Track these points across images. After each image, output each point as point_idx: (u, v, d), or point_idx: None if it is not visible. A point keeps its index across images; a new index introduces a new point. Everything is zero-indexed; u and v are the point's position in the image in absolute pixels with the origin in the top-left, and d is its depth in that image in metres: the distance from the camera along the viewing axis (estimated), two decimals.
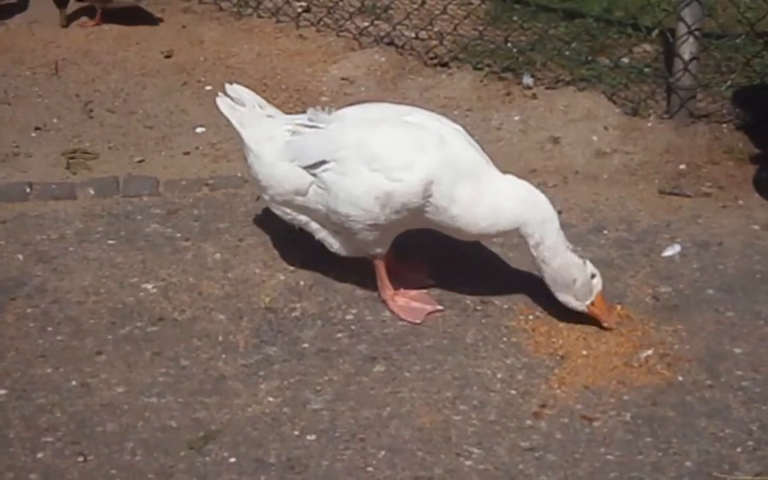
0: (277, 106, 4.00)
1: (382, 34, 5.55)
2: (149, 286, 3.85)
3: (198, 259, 3.99)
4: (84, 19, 5.88)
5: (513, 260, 3.95)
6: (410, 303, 3.72)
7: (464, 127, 3.73)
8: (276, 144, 3.71)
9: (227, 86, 3.94)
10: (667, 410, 3.32)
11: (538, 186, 3.65)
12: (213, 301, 3.79)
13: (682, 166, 4.58)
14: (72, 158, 4.67)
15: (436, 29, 5.51)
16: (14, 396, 3.38)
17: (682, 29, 4.74)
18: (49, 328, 3.65)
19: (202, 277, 3.90)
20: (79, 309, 3.74)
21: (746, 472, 3.11)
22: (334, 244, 3.72)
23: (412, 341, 3.60)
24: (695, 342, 3.58)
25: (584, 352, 3.55)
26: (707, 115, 4.85)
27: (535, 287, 3.77)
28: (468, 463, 3.15)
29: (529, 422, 3.29)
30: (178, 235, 4.13)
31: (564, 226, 3.61)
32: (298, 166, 3.64)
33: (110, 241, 4.09)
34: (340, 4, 5.77)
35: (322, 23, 5.71)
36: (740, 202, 4.34)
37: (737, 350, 3.55)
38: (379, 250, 3.67)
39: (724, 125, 4.79)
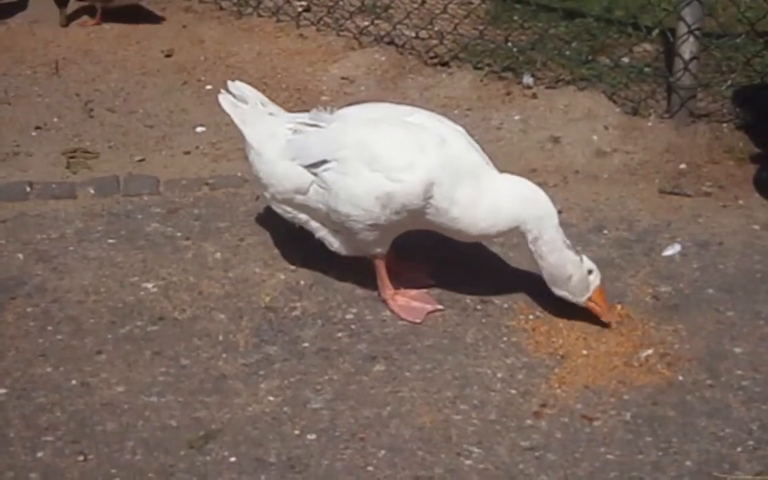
0: (277, 106, 4.00)
1: (383, 33, 5.55)
2: (149, 286, 3.85)
3: (198, 259, 3.99)
4: (85, 18, 5.89)
5: (513, 260, 3.95)
6: (410, 302, 3.72)
7: (464, 126, 3.74)
8: (277, 142, 3.71)
9: (229, 83, 3.94)
10: (667, 410, 3.32)
11: (538, 185, 3.65)
12: (213, 300, 3.79)
13: (683, 166, 4.58)
14: (72, 157, 4.67)
15: (436, 29, 5.51)
16: (14, 395, 3.38)
17: (682, 29, 4.74)
18: (49, 328, 3.65)
19: (202, 276, 3.90)
20: (79, 308, 3.74)
21: (746, 472, 3.11)
22: (334, 243, 3.72)
23: (413, 341, 3.60)
24: (695, 341, 3.58)
25: (584, 352, 3.55)
26: (707, 114, 4.85)
27: (535, 287, 3.77)
28: (468, 462, 3.15)
29: (529, 422, 3.29)
30: (179, 234, 4.13)
31: (564, 225, 3.61)
32: (299, 165, 3.64)
33: (110, 241, 4.09)
34: (341, 3, 5.77)
35: (322, 22, 5.72)
36: (740, 201, 4.34)
37: (737, 350, 3.55)
38: (379, 250, 3.67)
39: (725, 125, 4.80)
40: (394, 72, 5.31)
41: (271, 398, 3.38)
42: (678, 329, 3.63)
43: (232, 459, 3.16)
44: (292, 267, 3.93)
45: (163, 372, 3.47)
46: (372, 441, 3.22)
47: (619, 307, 3.70)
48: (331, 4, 5.78)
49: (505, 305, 3.75)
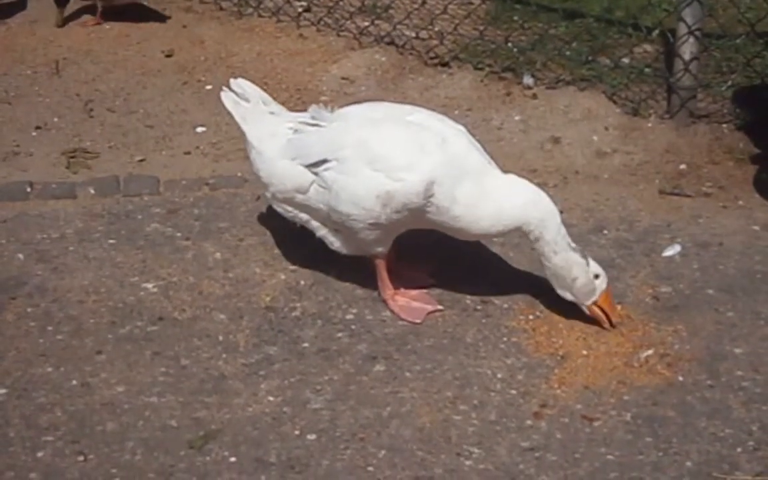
0: (279, 104, 4.00)
1: (383, 33, 5.56)
2: (149, 286, 3.85)
3: (198, 259, 3.99)
4: (86, 17, 5.88)
5: (513, 260, 3.95)
6: (410, 303, 3.72)
7: (465, 126, 3.73)
8: (278, 141, 3.71)
9: (232, 81, 3.94)
10: (667, 410, 3.32)
11: (538, 186, 3.65)
12: (213, 300, 3.79)
13: (683, 166, 4.58)
14: (72, 157, 4.68)
15: (436, 29, 5.51)
16: (14, 395, 3.39)
17: (682, 29, 4.74)
18: (50, 328, 3.65)
19: (202, 276, 3.90)
20: (79, 308, 3.74)
21: (746, 472, 3.11)
22: (334, 243, 3.72)
23: (413, 341, 3.60)
24: (695, 342, 3.58)
25: (584, 352, 3.55)
26: (708, 115, 4.85)
27: (535, 287, 3.78)
28: (468, 462, 3.15)
29: (529, 422, 3.29)
30: (179, 234, 4.13)
31: (564, 225, 3.60)
32: (300, 164, 3.64)
33: (110, 241, 4.09)
34: (341, 3, 5.78)
35: (322, 23, 5.72)
36: (740, 202, 4.34)
37: (737, 350, 3.55)
38: (379, 250, 3.67)
39: (725, 125, 4.80)
40: (394, 72, 5.31)
41: (271, 398, 3.38)
42: (678, 330, 3.63)
43: (232, 459, 3.16)
44: (293, 267, 3.93)
45: (163, 372, 3.47)
46: (372, 441, 3.22)
47: (619, 307, 3.70)
48: (331, 4, 5.78)
49: (505, 305, 3.75)
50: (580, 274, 3.55)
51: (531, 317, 3.70)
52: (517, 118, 4.92)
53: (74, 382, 3.43)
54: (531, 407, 3.34)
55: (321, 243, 3.75)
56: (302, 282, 3.86)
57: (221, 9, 5.95)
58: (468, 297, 3.78)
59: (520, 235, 3.63)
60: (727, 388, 3.40)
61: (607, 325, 3.61)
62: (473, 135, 3.73)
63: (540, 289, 3.75)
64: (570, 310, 3.65)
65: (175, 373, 3.47)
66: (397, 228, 3.62)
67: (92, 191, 4.39)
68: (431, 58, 5.37)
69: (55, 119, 4.99)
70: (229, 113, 3.89)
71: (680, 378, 3.44)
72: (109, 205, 4.30)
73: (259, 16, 5.86)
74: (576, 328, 3.64)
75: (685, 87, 4.80)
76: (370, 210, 3.52)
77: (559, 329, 3.64)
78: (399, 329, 3.65)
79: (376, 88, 5.17)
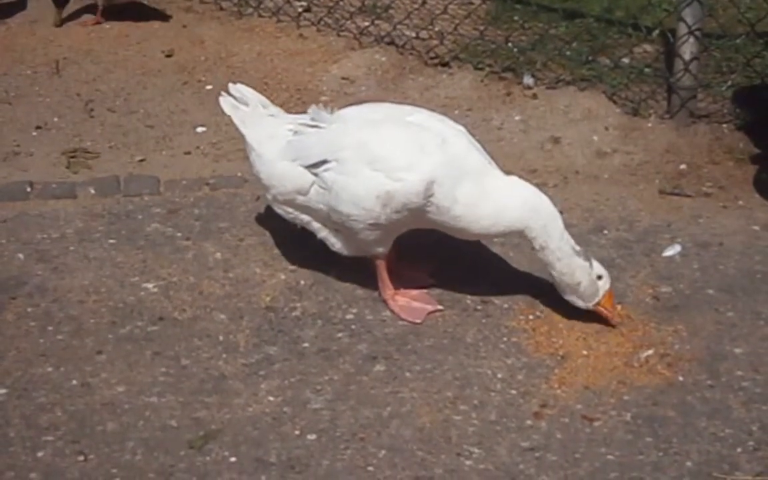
0: (278, 106, 4.00)
1: (383, 33, 5.56)
2: (150, 286, 3.85)
3: (198, 259, 3.99)
4: (86, 17, 5.88)
5: (513, 260, 3.95)
6: (411, 303, 3.73)
7: (465, 126, 3.73)
8: (278, 143, 3.72)
9: (230, 86, 3.95)
10: (667, 410, 3.32)
11: (539, 186, 3.65)
12: (213, 300, 3.79)
13: (683, 166, 4.58)
14: (73, 157, 4.68)
15: (436, 29, 5.51)
16: (15, 395, 3.39)
17: (682, 29, 4.74)
18: (50, 328, 3.66)
19: (202, 276, 3.90)
20: (79, 308, 3.74)
21: (746, 472, 3.11)
22: (335, 244, 3.72)
23: (413, 341, 3.60)
24: (696, 342, 3.58)
25: (585, 352, 3.55)
26: (708, 115, 4.85)
27: (535, 287, 3.78)
28: (468, 462, 3.15)
29: (529, 422, 3.29)
30: (179, 234, 4.13)
31: (565, 226, 3.60)
32: (300, 166, 3.65)
33: (111, 241, 4.09)
34: (341, 3, 5.78)
35: (322, 23, 5.72)
36: (741, 202, 4.34)
37: (738, 350, 3.55)
38: (380, 250, 3.67)
39: (725, 125, 4.80)
40: (394, 72, 5.31)
41: (271, 398, 3.38)
42: (678, 330, 3.64)
43: (233, 459, 3.16)
44: (293, 267, 3.93)
45: (164, 372, 3.48)
46: (372, 441, 3.22)
47: (619, 307, 3.70)
48: (331, 4, 5.78)
49: (506, 305, 3.75)
50: (583, 278, 3.55)
51: (531, 317, 3.70)
52: (517, 118, 4.92)
53: (74, 382, 3.44)
54: (531, 407, 3.34)
55: (321, 243, 3.75)
56: (302, 282, 3.86)
57: (221, 9, 5.95)
58: (468, 297, 3.78)
59: (520, 235, 3.62)
60: (728, 388, 3.40)
61: (614, 321, 3.61)
62: (473, 135, 3.73)
63: (540, 289, 3.75)
64: (570, 311, 3.65)
65: (175, 373, 3.47)
66: (398, 228, 3.62)
67: (92, 191, 4.39)
68: (431, 58, 5.37)
69: (56, 119, 4.99)
70: (228, 115, 3.90)
71: (680, 378, 3.44)
72: (109, 205, 4.30)
73: (260, 16, 5.86)
74: (576, 328, 3.64)
75: (685, 87, 4.80)
76: (370, 210, 3.53)
77: (559, 329, 3.64)
78: (399, 329, 3.65)
79: (376, 88, 5.17)
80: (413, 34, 5.51)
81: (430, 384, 3.43)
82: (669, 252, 4.02)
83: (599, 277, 3.58)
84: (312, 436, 3.24)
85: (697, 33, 4.73)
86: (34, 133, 4.88)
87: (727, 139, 4.73)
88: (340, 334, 3.63)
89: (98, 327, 3.66)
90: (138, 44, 5.63)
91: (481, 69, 5.25)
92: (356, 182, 3.53)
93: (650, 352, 3.54)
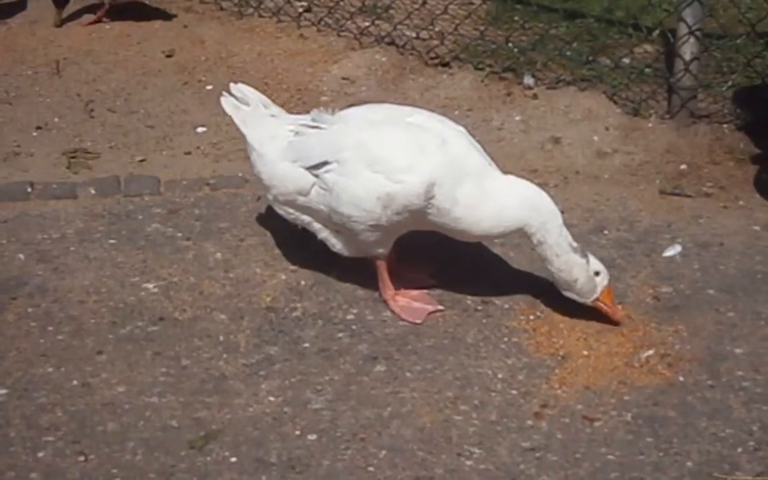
0: (278, 106, 4.00)
1: (383, 33, 5.55)
2: (150, 286, 3.85)
3: (199, 259, 3.99)
4: (87, 16, 5.87)
5: (514, 260, 3.95)
6: (411, 303, 3.73)
7: (465, 127, 3.74)
8: (279, 143, 3.72)
9: (232, 86, 3.95)
10: (668, 410, 3.32)
11: (539, 186, 3.65)
12: (214, 300, 3.79)
13: (683, 167, 4.58)
14: (73, 157, 4.68)
15: (437, 29, 5.51)
16: (15, 395, 3.39)
17: (683, 29, 4.74)
18: (50, 328, 3.66)
19: (203, 276, 3.90)
20: (80, 308, 3.74)
21: (747, 473, 3.11)
22: (336, 245, 3.72)
23: (413, 341, 3.60)
24: (696, 342, 3.58)
25: (585, 352, 3.55)
26: (708, 115, 4.85)
27: (536, 287, 3.78)
28: (469, 463, 3.15)
29: (530, 422, 3.29)
30: (179, 234, 4.13)
31: (565, 226, 3.60)
32: (301, 167, 3.65)
33: (111, 241, 4.09)
34: (341, 3, 5.77)
35: (323, 23, 5.72)
36: (741, 202, 4.34)
37: (738, 350, 3.55)
38: (380, 251, 3.67)
39: (725, 125, 4.80)
40: (394, 72, 5.31)
41: (271, 398, 3.38)
42: (679, 330, 3.64)
43: (233, 459, 3.16)
44: (293, 267, 3.93)
45: (164, 372, 3.48)
46: (373, 441, 3.22)
47: (619, 307, 3.70)
48: (331, 4, 5.78)
49: (506, 306, 3.75)
50: (580, 274, 3.55)
51: (532, 317, 3.70)
52: (517, 118, 4.92)
53: (75, 382, 3.44)
54: (532, 407, 3.34)
55: (322, 244, 3.75)
56: (303, 282, 3.86)
57: (222, 9, 5.94)
58: (469, 297, 3.78)
59: (520, 235, 3.63)
60: (728, 389, 3.40)
61: (615, 317, 3.61)
62: (474, 135, 3.73)
63: (540, 289, 3.75)
64: (571, 311, 3.65)
65: (175, 374, 3.47)
66: (398, 229, 3.63)
67: (93, 191, 4.39)
68: (432, 59, 5.37)
69: (56, 119, 4.99)
70: (229, 115, 3.90)
71: (681, 378, 3.44)
72: (109, 206, 4.30)
73: (260, 16, 5.86)
74: (577, 329, 3.64)
75: (686, 87, 4.80)
76: (371, 212, 3.53)
77: (560, 329, 3.64)
78: (400, 329, 3.65)
79: (377, 89, 5.17)
80: (413, 35, 5.51)
81: (430, 384, 3.43)
82: (669, 252, 4.02)
83: (597, 274, 3.58)
84: (312, 437, 3.24)
85: (698, 33, 4.73)
86: (35, 134, 4.88)
87: (727, 139, 4.73)
88: (340, 335, 3.63)
89: (99, 327, 3.66)
90: (138, 44, 5.63)
91: (482, 69, 5.25)
92: (357, 184, 3.53)
93: (651, 352, 3.54)
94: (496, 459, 3.16)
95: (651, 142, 4.73)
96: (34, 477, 3.11)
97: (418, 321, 3.67)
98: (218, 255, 4.01)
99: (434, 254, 3.92)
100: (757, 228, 4.17)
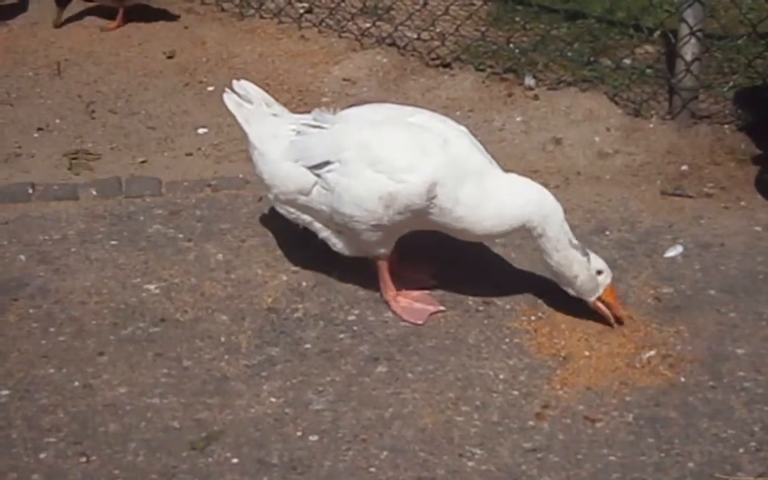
0: (282, 106, 4.00)
1: (384, 35, 5.56)
2: (151, 287, 3.85)
3: (200, 260, 3.99)
4: (91, 19, 5.86)
5: (515, 261, 3.95)
6: (412, 304, 3.73)
7: (467, 127, 3.73)
8: (280, 143, 3.72)
9: (234, 82, 3.94)
10: (669, 411, 3.32)
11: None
12: (215, 301, 3.79)
13: (684, 167, 4.58)
14: (74, 159, 4.68)
15: (438, 30, 5.51)
16: (17, 396, 3.39)
17: (684, 30, 4.74)
18: (52, 329, 3.66)
19: (204, 277, 3.90)
20: (81, 309, 3.74)
21: (748, 473, 3.11)
22: (337, 244, 3.72)
23: (415, 342, 3.60)
24: (697, 343, 3.58)
25: (586, 353, 3.55)
26: (709, 116, 4.85)
27: (537, 288, 3.78)
28: (470, 463, 3.15)
29: (531, 423, 3.29)
30: (181, 235, 4.13)
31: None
32: (302, 166, 3.65)
33: (112, 242, 4.09)
34: (342, 5, 5.78)
35: (324, 24, 5.72)
36: (742, 203, 4.34)
37: (739, 351, 3.55)
38: (382, 251, 3.67)
39: (726, 126, 4.80)
40: (395, 73, 5.31)
41: (273, 399, 3.38)
42: (680, 330, 3.63)
43: (234, 460, 3.16)
44: (294, 268, 3.93)
45: (165, 373, 3.48)
46: (374, 442, 3.22)
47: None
48: (332, 5, 5.79)
49: (508, 306, 3.75)
50: (580, 271, 3.55)
51: (533, 318, 3.70)
52: (518, 119, 4.92)
53: (76, 383, 3.44)
54: (533, 408, 3.34)
55: (323, 244, 3.75)
56: (304, 283, 3.86)
57: (223, 10, 5.95)
58: (470, 298, 3.78)
59: (522, 236, 3.63)
60: (729, 389, 3.40)
61: (612, 320, 3.61)
62: (475, 136, 3.73)
63: (542, 290, 3.75)
64: (572, 311, 3.65)
65: (177, 375, 3.47)
66: (400, 229, 3.62)
67: (94, 192, 4.39)
68: (433, 60, 5.37)
69: (57, 120, 4.99)
70: (231, 115, 3.89)
71: (682, 379, 3.44)
72: (111, 207, 4.30)
73: (261, 17, 5.86)
74: (578, 329, 3.64)
75: (687, 88, 4.80)
76: (373, 211, 3.53)
77: (561, 330, 3.64)
78: (401, 330, 3.65)
79: (378, 90, 5.17)
80: (415, 36, 5.51)
81: (432, 385, 3.43)
82: (671, 253, 4.02)
83: (599, 272, 3.57)
84: (314, 437, 3.24)
85: (699, 34, 4.73)
86: (36, 135, 4.88)
87: (728, 139, 4.73)
88: (342, 335, 3.63)
89: (100, 328, 3.66)
90: (139, 45, 5.63)
91: (483, 70, 5.25)
92: (358, 183, 3.53)
93: (652, 352, 3.54)
94: (498, 460, 3.16)
95: (652, 142, 4.73)
96: (35, 478, 3.11)
97: (420, 322, 3.67)
98: (219, 256, 4.01)
99: (436, 255, 3.92)
100: (758, 228, 4.17)
